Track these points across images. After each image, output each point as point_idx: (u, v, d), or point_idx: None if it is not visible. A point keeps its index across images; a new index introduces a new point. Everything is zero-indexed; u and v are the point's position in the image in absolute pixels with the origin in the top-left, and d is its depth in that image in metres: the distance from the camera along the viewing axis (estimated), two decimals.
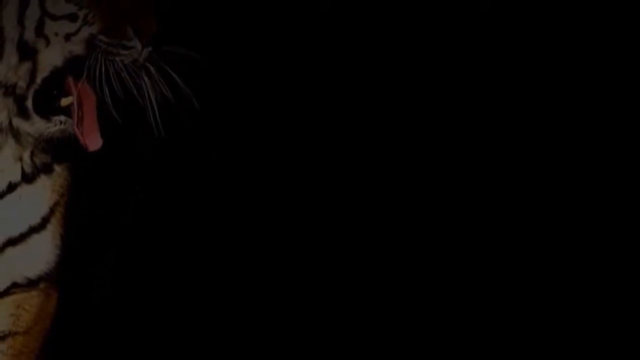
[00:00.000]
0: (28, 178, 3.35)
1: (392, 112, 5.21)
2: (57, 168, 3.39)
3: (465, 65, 5.20)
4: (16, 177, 3.34)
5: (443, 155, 5.21)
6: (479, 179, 5.19)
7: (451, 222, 5.19)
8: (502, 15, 5.17)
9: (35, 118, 3.28)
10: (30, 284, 3.38)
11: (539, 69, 5.21)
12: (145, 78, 3.30)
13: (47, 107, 3.29)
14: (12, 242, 3.34)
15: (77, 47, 3.26)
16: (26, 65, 3.27)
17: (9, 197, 3.33)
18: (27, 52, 3.26)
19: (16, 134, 3.32)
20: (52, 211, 3.38)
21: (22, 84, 3.28)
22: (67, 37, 3.26)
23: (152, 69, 3.30)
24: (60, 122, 3.28)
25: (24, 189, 3.34)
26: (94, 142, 3.31)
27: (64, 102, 3.29)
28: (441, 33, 5.19)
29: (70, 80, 3.28)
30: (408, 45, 5.20)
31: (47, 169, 3.37)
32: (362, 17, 5.19)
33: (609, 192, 5.18)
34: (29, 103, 3.28)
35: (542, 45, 5.21)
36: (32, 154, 3.35)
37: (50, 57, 3.26)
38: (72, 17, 3.26)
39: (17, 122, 3.31)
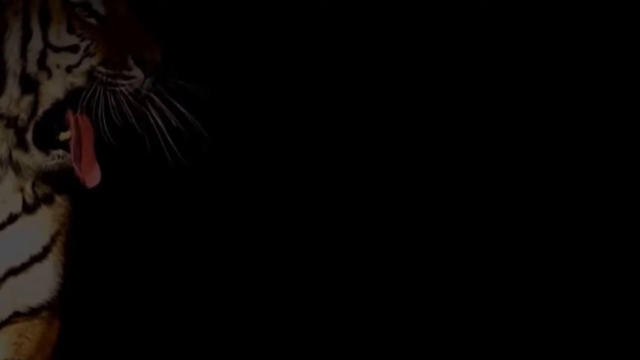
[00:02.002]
0: (29, 209, 3.36)
1: (392, 113, 5.22)
2: (58, 198, 3.40)
3: (464, 64, 5.21)
4: (17, 208, 3.35)
5: (443, 155, 5.21)
6: (479, 179, 5.20)
7: (451, 222, 5.20)
8: (501, 13, 5.19)
9: (34, 151, 3.29)
10: (32, 312, 3.39)
11: (539, 68, 5.22)
12: (151, 108, 3.30)
13: (46, 140, 3.30)
14: (14, 271, 3.35)
15: (78, 79, 3.26)
16: (28, 98, 3.28)
17: (10, 228, 3.34)
18: (29, 85, 3.27)
19: (16, 167, 3.33)
20: (53, 240, 3.39)
21: (23, 116, 3.28)
22: (69, 69, 3.27)
23: (156, 99, 3.31)
24: (59, 157, 3.29)
25: (25, 220, 3.35)
26: (92, 178, 3.31)
27: (63, 136, 3.30)
28: (440, 31, 5.20)
29: (69, 113, 3.30)
30: (407, 44, 5.21)
31: (48, 200, 3.38)
32: (362, 35, 5.21)
33: (609, 192, 5.18)
34: (29, 135, 3.28)
35: (542, 44, 5.21)
36: (34, 185, 3.36)
37: (52, 90, 3.27)
38: (74, 49, 3.27)
39: (17, 154, 3.32)
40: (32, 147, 3.30)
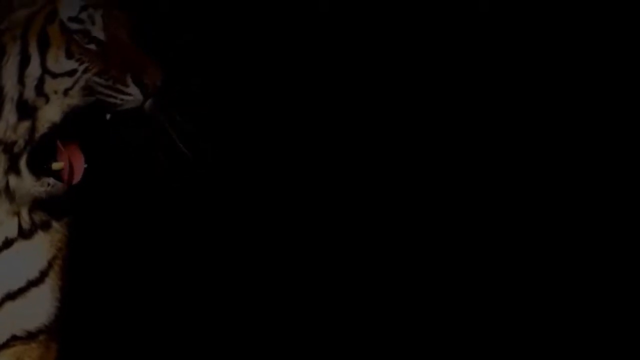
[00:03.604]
0: (25, 234, 3.37)
1: (391, 115, 5.23)
2: (55, 224, 3.41)
3: (463, 66, 5.21)
4: (13, 232, 3.36)
5: (442, 155, 5.21)
6: (478, 179, 5.20)
7: (451, 222, 5.20)
8: (501, 15, 5.19)
9: (26, 174, 3.30)
10: (30, 336, 3.40)
11: (538, 69, 5.22)
12: (152, 129, 3.31)
13: (39, 167, 3.30)
14: (11, 296, 3.36)
15: (74, 99, 3.27)
16: (25, 124, 3.28)
17: (5, 253, 3.35)
18: (26, 111, 3.27)
19: (11, 193, 3.33)
20: (50, 265, 3.40)
21: (21, 142, 3.29)
22: (66, 92, 3.27)
23: (159, 118, 3.31)
24: (48, 185, 3.30)
25: (21, 245, 3.36)
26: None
27: (55, 166, 3.31)
28: (440, 34, 5.20)
29: (59, 144, 3.30)
30: (407, 47, 5.21)
31: (45, 226, 3.39)
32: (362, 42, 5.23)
33: (609, 192, 5.18)
34: (24, 159, 3.29)
35: (541, 45, 5.21)
36: (31, 211, 3.37)
37: (49, 114, 3.27)
38: (72, 73, 3.27)
39: (10, 178, 3.32)
40: (25, 171, 3.30)
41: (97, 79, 3.26)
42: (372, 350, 5.12)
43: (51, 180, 3.31)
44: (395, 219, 5.20)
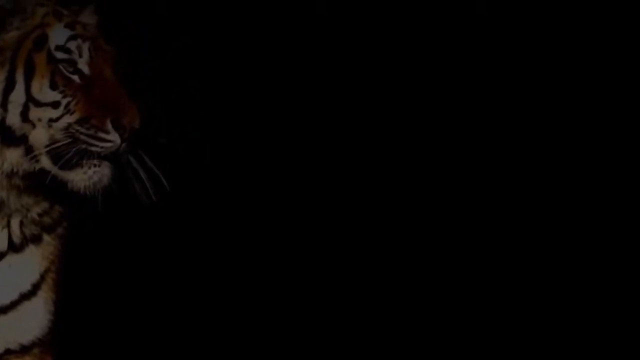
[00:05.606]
0: (16, 247, 3.36)
1: (389, 116, 5.23)
2: (47, 237, 3.40)
3: (461, 69, 5.21)
4: (3, 246, 3.35)
5: (439, 155, 5.21)
6: (478, 179, 5.20)
7: (451, 222, 5.20)
8: (498, 18, 5.19)
9: (66, 175, 3.26)
10: (24, 349, 3.40)
11: (534, 70, 5.21)
12: (128, 169, 3.31)
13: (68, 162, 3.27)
14: (4, 309, 3.36)
15: (57, 134, 3.26)
16: (16, 151, 3.28)
17: None
18: (12, 138, 3.27)
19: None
20: (42, 278, 3.39)
21: (25, 166, 3.28)
22: (49, 124, 3.27)
23: (133, 161, 3.32)
24: (95, 165, 3.27)
25: (13, 258, 3.36)
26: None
27: None
28: (437, 35, 5.20)
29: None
30: (404, 50, 5.21)
31: (36, 239, 3.38)
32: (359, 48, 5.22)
33: (609, 192, 5.17)
34: (51, 168, 3.26)
35: (539, 49, 5.21)
36: (22, 224, 3.36)
37: (41, 138, 3.27)
38: (55, 105, 3.27)
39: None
40: (61, 174, 3.28)
41: (79, 128, 3.26)
42: (372, 350, 5.12)
43: (95, 161, 3.27)
44: (395, 219, 5.20)
